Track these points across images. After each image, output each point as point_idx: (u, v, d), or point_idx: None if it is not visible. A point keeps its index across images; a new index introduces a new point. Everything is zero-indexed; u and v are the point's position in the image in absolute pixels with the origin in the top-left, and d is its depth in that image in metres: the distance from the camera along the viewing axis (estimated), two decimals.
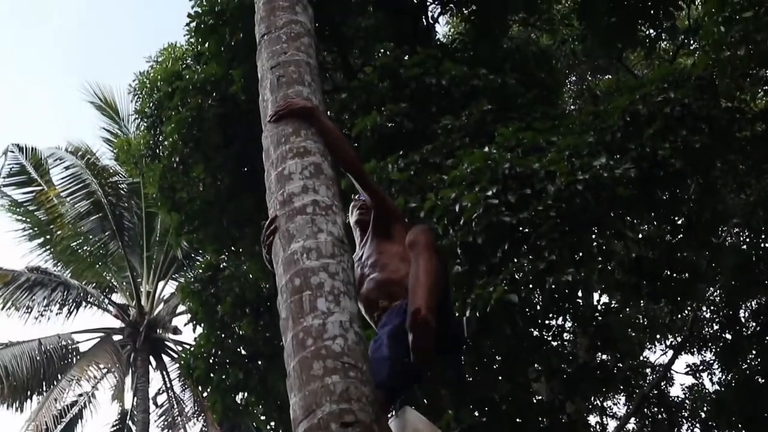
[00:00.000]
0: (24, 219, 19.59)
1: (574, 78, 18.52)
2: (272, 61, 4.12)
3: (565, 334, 12.65)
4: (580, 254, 8.97)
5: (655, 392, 16.41)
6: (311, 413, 2.95)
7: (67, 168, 19.64)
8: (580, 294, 11.24)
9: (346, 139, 4.94)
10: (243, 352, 12.90)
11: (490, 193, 8.50)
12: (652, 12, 11.56)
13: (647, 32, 12.19)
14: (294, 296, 3.28)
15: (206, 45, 12.23)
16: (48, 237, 19.83)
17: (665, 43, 14.61)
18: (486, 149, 9.03)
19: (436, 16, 14.02)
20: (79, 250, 20.12)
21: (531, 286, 8.47)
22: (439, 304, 3.70)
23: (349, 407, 2.95)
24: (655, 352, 17.12)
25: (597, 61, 16.92)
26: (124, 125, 19.38)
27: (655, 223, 10.95)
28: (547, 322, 11.06)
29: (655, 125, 9.01)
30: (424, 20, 13.78)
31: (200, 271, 13.66)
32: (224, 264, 13.45)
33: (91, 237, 19.98)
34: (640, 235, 10.76)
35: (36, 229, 19.82)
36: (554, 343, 11.47)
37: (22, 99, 49.30)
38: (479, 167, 8.81)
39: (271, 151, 3.80)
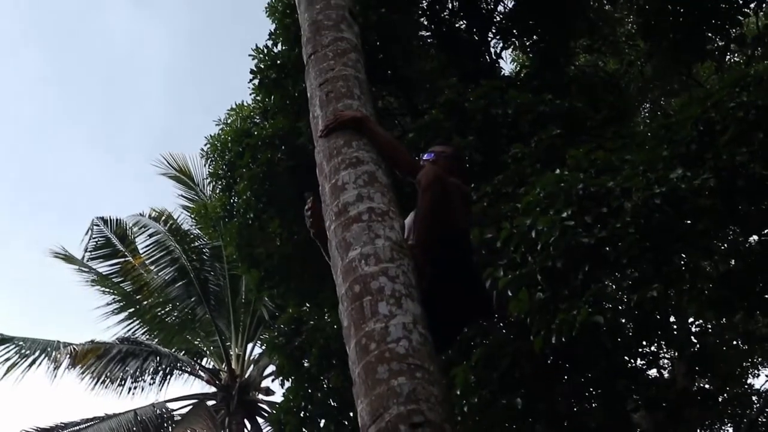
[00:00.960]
0: (111, 291, 19.96)
1: (648, 105, 18.22)
2: (320, 79, 4.09)
3: (661, 361, 12.27)
4: (666, 271, 8.70)
5: (764, 419, 15.73)
6: (378, 417, 2.85)
7: (150, 236, 20.04)
8: (672, 319, 10.92)
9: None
10: (333, 404, 12.77)
11: (565, 215, 8.31)
12: (718, 22, 11.30)
13: (715, 43, 11.91)
14: (354, 303, 3.20)
15: (271, 99, 12.37)
16: (136, 307, 20.15)
17: (736, 55, 14.27)
18: (557, 171, 8.84)
19: (498, 51, 13.98)
20: (167, 318, 20.38)
21: (616, 306, 8.23)
22: (445, 234, 3.86)
23: (418, 407, 2.84)
24: (758, 376, 16.47)
25: (669, 86, 16.63)
26: (201, 190, 19.71)
27: (742, 233, 10.56)
28: (640, 349, 10.75)
29: (729, 132, 8.71)
30: (487, 57, 13.75)
31: (283, 325, 13.66)
32: (307, 316, 13.41)
33: (178, 304, 20.25)
34: (728, 248, 10.37)
35: (124, 300, 20.16)
36: (651, 371, 11.14)
37: (103, 173, 50.78)
38: (552, 190, 8.64)
39: (324, 164, 3.76)
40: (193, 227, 20.26)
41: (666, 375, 12.85)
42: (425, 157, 4.67)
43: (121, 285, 19.98)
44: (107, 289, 19.97)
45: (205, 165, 15.72)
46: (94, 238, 19.51)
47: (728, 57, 12.75)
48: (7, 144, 46.95)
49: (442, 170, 4.14)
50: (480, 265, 8.69)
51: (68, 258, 19.84)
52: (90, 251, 19.55)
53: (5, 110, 45.75)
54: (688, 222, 8.78)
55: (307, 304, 13.78)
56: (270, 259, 13.08)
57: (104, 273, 19.92)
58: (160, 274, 20.04)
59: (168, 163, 20.28)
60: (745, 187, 8.98)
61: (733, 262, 10.04)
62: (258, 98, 13.07)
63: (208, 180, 15.27)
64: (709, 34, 11.60)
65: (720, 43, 11.89)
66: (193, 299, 20.25)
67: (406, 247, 3.42)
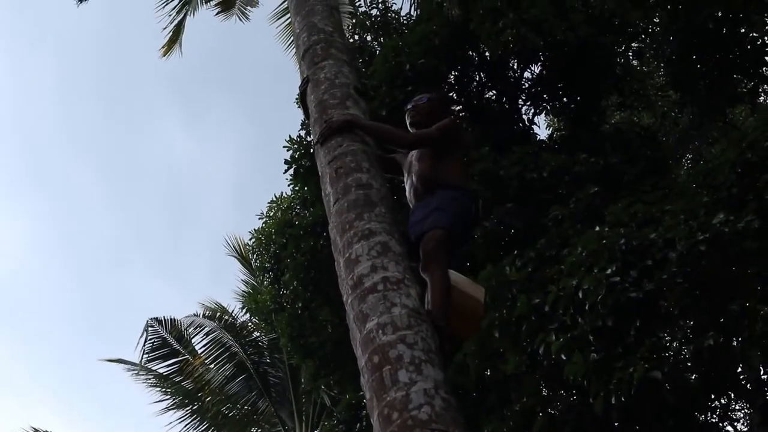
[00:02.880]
0: (171, 391, 19.96)
1: (689, 155, 18.05)
2: (329, 156, 4.14)
3: (734, 414, 11.88)
4: (722, 319, 8.49)
5: None
6: None
7: (207, 334, 20.07)
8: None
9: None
10: None
11: (609, 271, 8.19)
12: (746, 65, 11.23)
13: (745, 86, 11.81)
14: (374, 374, 3.16)
15: (308, 188, 12.49)
16: (198, 405, 20.10)
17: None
18: (597, 229, 8.74)
19: (531, 117, 14.01)
20: (230, 414, 20.30)
21: (674, 360, 8.02)
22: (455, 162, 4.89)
23: None
24: None
25: (708, 134, 16.47)
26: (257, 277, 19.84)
27: None
28: (710, 403, 10.42)
29: None
30: (520, 124, 13.78)
31: (342, 412, 13.53)
32: (364, 401, 13.27)
33: (239, 399, 20.17)
34: None
35: (185, 399, 20.13)
36: (724, 425, 10.78)
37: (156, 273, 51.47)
38: (594, 248, 8.55)
39: (338, 240, 3.77)
40: (249, 320, 20.32)
41: (742, 428, 12.42)
42: (415, 100, 5.35)
43: (182, 384, 19.98)
44: (167, 389, 19.98)
45: (252, 259, 15.85)
46: (150, 339, 19.61)
47: (761, 98, 12.60)
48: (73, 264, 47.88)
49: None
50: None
51: (124, 362, 19.95)
52: (147, 353, 19.63)
53: (69, 237, 46.81)
54: (738, 266, 8.60)
55: None
56: (323, 347, 13.03)
57: (163, 373, 19.96)
58: (219, 371, 20.03)
59: (232, 245, 20.51)
60: None
61: None
62: (296, 188, 13.21)
63: (257, 274, 15.37)
64: (739, 77, 11.52)
65: (749, 85, 11.78)
66: (254, 393, 20.16)
67: (423, 312, 3.38)
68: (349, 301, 3.51)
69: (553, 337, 8.56)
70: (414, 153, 4.92)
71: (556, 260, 9.45)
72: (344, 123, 4.41)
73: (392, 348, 3.16)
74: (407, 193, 4.80)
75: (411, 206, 4.68)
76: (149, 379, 19.94)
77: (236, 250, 20.46)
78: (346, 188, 3.91)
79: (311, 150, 12.08)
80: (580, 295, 8.38)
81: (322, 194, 4.13)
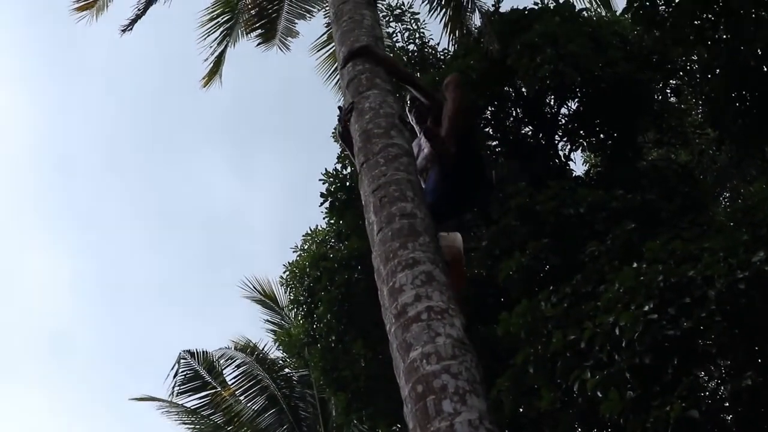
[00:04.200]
0: (200, 426, 19.93)
1: (727, 193, 17.92)
2: (373, 185, 4.16)
3: None
4: (760, 360, 8.38)
5: None
6: None
7: (238, 366, 20.08)
8: None
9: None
10: None
11: (647, 308, 8.11)
12: None
13: None
14: (418, 403, 3.14)
15: (344, 221, 12.53)
16: None
17: None
18: (635, 265, 8.68)
19: (567, 152, 13.98)
20: None
21: (712, 399, 7.91)
22: (465, 134, 5.21)
23: None
24: None
25: (746, 172, 16.34)
26: (286, 314, 19.81)
27: None
28: None
29: None
30: (556, 160, 13.77)
31: None
32: None
33: None
34: None
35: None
36: None
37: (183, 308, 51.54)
38: (632, 285, 8.48)
39: (381, 269, 3.77)
40: (281, 355, 20.30)
41: None
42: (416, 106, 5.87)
43: (210, 418, 19.96)
44: (196, 426, 19.94)
45: (285, 292, 15.86)
46: (182, 371, 19.63)
47: None
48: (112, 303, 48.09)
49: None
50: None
51: (153, 399, 19.94)
52: (179, 385, 19.63)
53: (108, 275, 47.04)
54: None
55: (398, 425, 13.58)
56: (356, 380, 12.99)
57: (193, 407, 19.94)
58: (251, 404, 20.00)
59: (253, 286, 20.52)
60: None
61: None
62: (331, 221, 13.26)
63: (290, 307, 15.38)
64: None
65: None
66: (285, 427, 20.08)
67: (468, 343, 3.37)
68: (393, 330, 3.51)
69: (589, 375, 8.48)
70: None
71: (593, 296, 9.38)
72: (361, 49, 5.27)
73: (436, 378, 3.15)
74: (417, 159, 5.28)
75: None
76: (179, 414, 19.92)
77: (259, 291, 20.50)
78: (390, 217, 3.92)
79: (347, 183, 12.16)
80: (617, 331, 8.30)
81: (366, 223, 4.15)
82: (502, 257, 10.61)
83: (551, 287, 9.64)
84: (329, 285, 12.52)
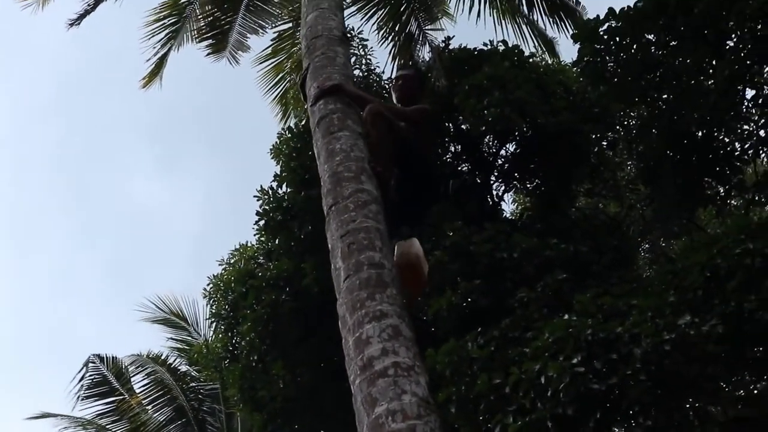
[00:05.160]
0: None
1: (647, 245, 18.30)
2: (341, 230, 4.15)
3: None
4: (677, 421, 8.57)
5: None
6: None
7: (148, 375, 19.78)
8: None
9: None
10: None
11: (575, 361, 8.24)
12: (717, 169, 11.48)
13: (716, 189, 12.05)
14: None
15: (276, 241, 12.46)
16: None
17: (735, 200, 14.43)
18: (566, 317, 8.82)
19: (500, 194, 14.14)
20: None
21: None
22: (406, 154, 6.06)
23: None
24: None
25: (670, 228, 16.73)
26: (195, 330, 19.63)
27: (751, 379, 10.44)
28: None
29: (736, 279, 8.73)
30: (489, 199, 13.90)
31: None
32: None
33: None
34: (736, 394, 10.24)
35: None
36: None
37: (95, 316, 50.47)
38: (561, 336, 8.60)
39: (347, 317, 3.76)
40: (192, 368, 20.02)
41: None
42: (403, 74, 7.48)
43: (115, 425, 19.55)
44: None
45: (206, 305, 15.65)
46: (90, 375, 19.22)
47: (729, 202, 12.86)
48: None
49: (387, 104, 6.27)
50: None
51: (49, 416, 19.40)
52: (85, 389, 19.20)
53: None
54: (697, 367, 8.70)
55: None
56: (273, 401, 12.89)
57: (98, 412, 19.52)
58: (156, 414, 19.69)
59: (157, 306, 20.29)
60: (753, 333, 8.95)
61: (740, 407, 9.91)
62: (262, 239, 13.16)
63: (210, 320, 15.18)
64: (710, 180, 11.76)
65: (721, 190, 12.03)
66: None
67: (432, 402, 3.39)
68: (357, 382, 3.50)
69: (511, 419, 8.56)
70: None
71: (520, 342, 9.48)
72: (333, 87, 5.37)
73: None
74: None
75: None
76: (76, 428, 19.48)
77: (163, 311, 20.27)
78: (358, 265, 3.92)
79: (284, 204, 12.09)
80: (543, 380, 8.40)
81: (332, 268, 4.13)
82: (432, 294, 10.66)
83: (479, 329, 9.73)
84: (255, 304, 12.40)
